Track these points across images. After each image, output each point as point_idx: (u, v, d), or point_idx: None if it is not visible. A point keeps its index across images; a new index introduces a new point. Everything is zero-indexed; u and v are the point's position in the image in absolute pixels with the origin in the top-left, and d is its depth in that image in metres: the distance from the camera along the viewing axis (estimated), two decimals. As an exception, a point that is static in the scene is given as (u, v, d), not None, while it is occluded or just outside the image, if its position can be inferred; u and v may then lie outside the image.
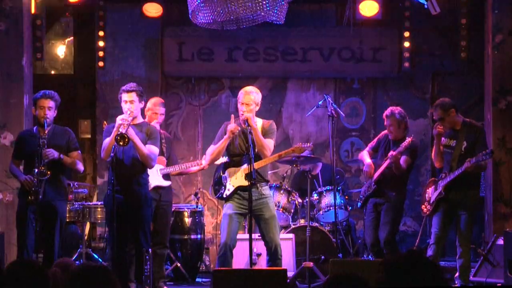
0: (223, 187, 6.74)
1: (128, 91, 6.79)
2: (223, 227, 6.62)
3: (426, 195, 7.28)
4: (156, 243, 7.51)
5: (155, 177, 7.38)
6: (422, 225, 7.58)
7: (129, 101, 6.77)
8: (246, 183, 6.43)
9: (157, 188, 7.45)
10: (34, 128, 7.00)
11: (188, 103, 9.79)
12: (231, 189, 6.67)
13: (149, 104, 7.62)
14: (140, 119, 6.92)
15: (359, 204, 7.95)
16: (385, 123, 7.67)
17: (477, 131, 7.02)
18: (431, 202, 7.14)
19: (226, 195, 6.70)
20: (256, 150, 6.53)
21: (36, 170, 6.66)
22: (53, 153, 6.74)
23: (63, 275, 3.92)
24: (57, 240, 6.85)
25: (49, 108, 6.87)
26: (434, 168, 8.34)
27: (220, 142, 6.68)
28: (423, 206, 7.27)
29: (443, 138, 7.16)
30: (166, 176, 7.58)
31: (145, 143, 6.72)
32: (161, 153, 7.48)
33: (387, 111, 7.66)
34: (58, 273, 4.02)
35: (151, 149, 6.76)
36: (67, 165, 6.92)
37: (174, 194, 9.11)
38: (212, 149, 6.79)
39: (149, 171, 7.22)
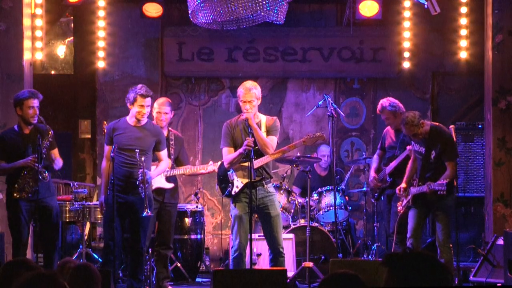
0: (230, 184, 6.66)
1: (146, 96, 6.79)
2: (235, 230, 6.57)
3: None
4: (160, 244, 7.50)
5: (157, 179, 7.29)
6: (396, 224, 7.47)
7: (146, 106, 6.80)
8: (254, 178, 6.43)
9: (159, 189, 7.40)
10: (15, 126, 6.98)
11: (188, 103, 9.79)
12: (240, 186, 6.61)
13: (155, 104, 7.53)
14: (145, 120, 6.92)
15: (375, 195, 8.17)
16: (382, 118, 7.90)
17: (444, 141, 6.96)
18: (403, 205, 7.18)
19: (234, 192, 6.62)
20: (256, 147, 6.51)
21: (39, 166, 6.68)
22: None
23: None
24: (56, 234, 6.89)
25: (37, 107, 6.86)
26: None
27: (235, 154, 6.58)
28: (399, 203, 7.32)
29: (413, 144, 7.15)
30: (169, 178, 7.49)
31: (154, 148, 6.84)
32: (168, 154, 7.34)
33: (378, 107, 7.84)
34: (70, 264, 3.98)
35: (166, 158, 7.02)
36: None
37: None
38: (229, 159, 6.65)
39: None
